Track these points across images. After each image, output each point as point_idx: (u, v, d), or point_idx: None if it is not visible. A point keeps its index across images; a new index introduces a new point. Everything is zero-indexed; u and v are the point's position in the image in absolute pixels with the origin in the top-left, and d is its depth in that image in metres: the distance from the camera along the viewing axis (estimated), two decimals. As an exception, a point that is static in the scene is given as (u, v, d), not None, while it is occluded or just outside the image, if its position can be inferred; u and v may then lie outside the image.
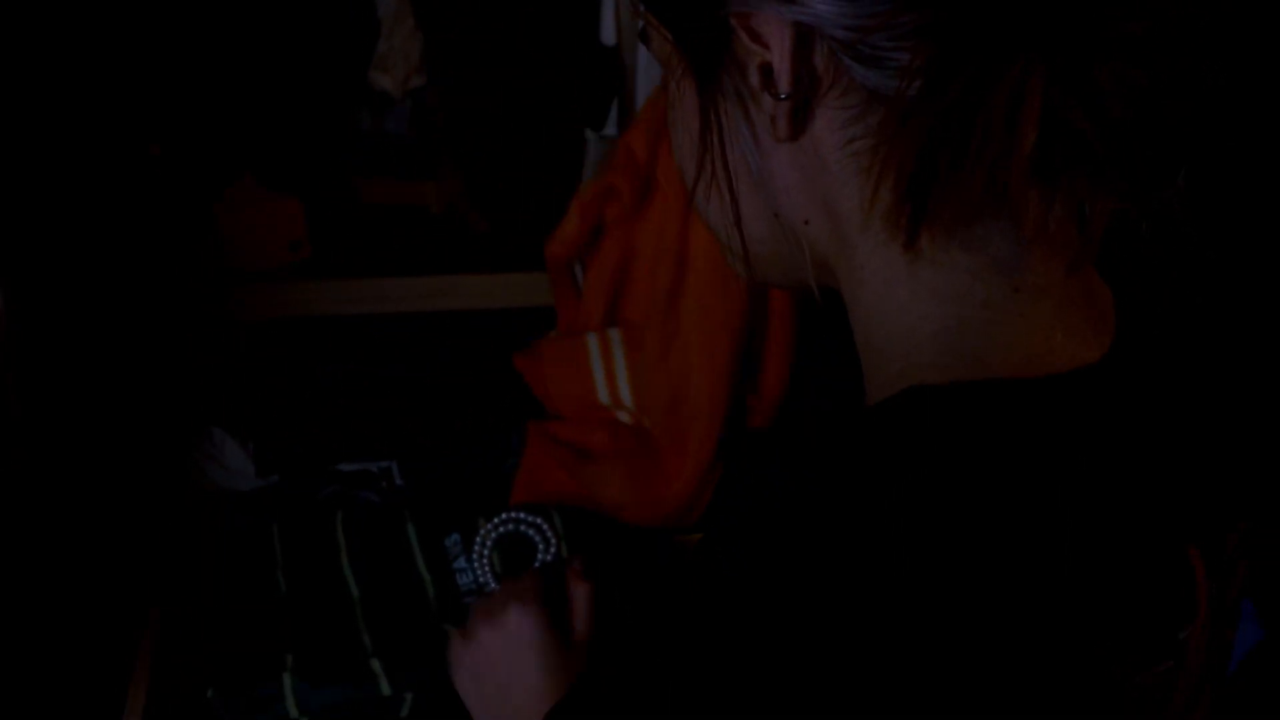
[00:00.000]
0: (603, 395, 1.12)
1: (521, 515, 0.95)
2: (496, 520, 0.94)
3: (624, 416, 1.12)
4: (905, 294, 0.50)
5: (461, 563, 1.05)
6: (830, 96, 0.49)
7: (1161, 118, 0.47)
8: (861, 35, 0.46)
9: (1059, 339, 0.49)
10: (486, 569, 0.95)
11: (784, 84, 0.48)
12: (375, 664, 0.96)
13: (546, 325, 1.28)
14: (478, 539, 0.95)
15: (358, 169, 1.44)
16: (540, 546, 0.95)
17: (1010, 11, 0.44)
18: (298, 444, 1.17)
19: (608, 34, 1.28)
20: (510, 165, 1.35)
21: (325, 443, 1.18)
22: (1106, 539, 0.46)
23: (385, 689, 0.95)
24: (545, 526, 0.95)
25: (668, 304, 1.07)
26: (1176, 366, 0.53)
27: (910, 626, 0.42)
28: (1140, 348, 0.52)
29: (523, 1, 1.27)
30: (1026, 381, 0.48)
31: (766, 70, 0.48)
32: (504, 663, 0.77)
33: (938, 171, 0.46)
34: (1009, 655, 0.43)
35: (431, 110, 1.39)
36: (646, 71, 1.30)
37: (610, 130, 1.31)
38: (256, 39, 1.27)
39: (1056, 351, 0.49)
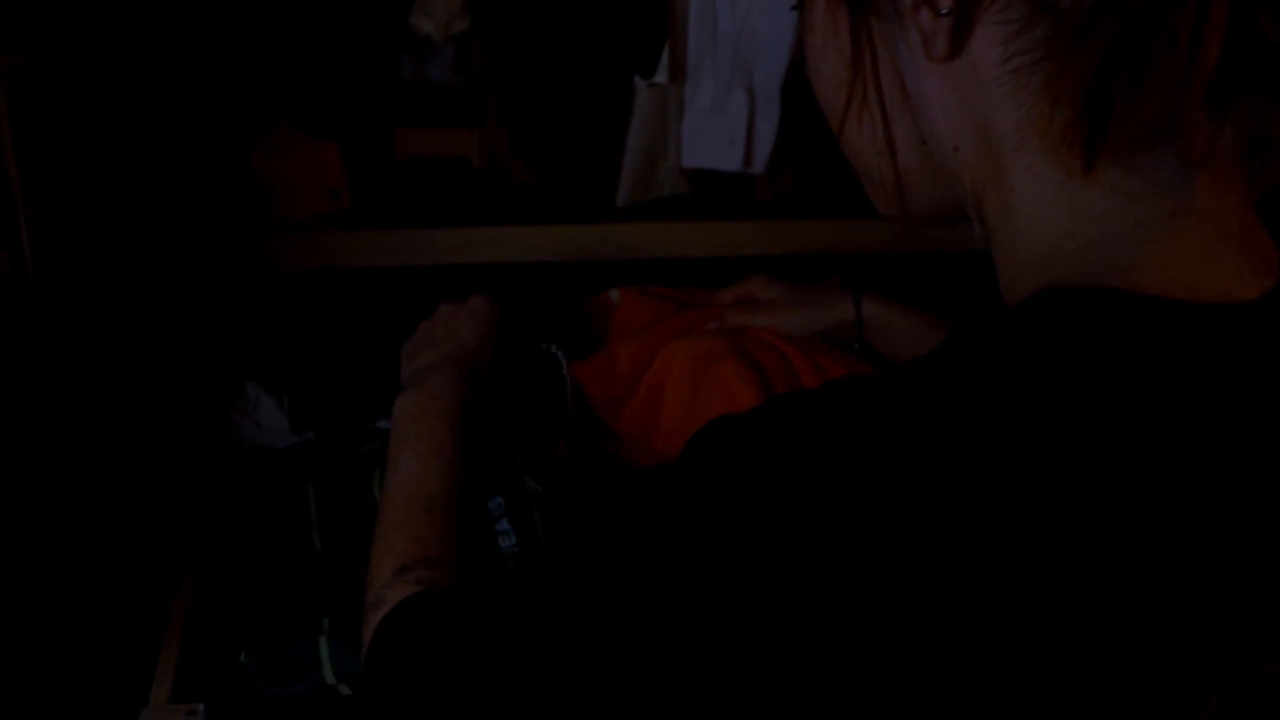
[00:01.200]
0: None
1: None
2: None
3: None
4: (1058, 214, 0.49)
5: (504, 524, 1.01)
6: (992, 11, 0.47)
7: None
8: None
9: (1213, 270, 0.47)
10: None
11: None
12: (414, 630, 0.92)
13: (588, 279, 1.24)
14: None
15: (398, 117, 1.39)
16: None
17: None
18: (334, 400, 1.14)
19: (659, -24, 1.23)
20: (556, 114, 1.30)
21: (363, 398, 1.14)
22: (1227, 487, 0.43)
23: (424, 656, 0.91)
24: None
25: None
26: None
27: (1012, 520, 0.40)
28: None
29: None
30: (1167, 300, 0.46)
31: None
32: (450, 324, 0.99)
33: (1114, 91, 0.44)
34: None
35: (475, 56, 1.34)
36: (698, 17, 1.25)
37: (660, 77, 1.25)
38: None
39: (1208, 282, 0.47)
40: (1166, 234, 0.48)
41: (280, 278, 1.24)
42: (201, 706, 0.86)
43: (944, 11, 0.47)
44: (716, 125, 1.27)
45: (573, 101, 1.28)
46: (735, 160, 1.28)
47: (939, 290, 1.41)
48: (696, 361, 1.01)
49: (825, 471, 0.44)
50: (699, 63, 1.27)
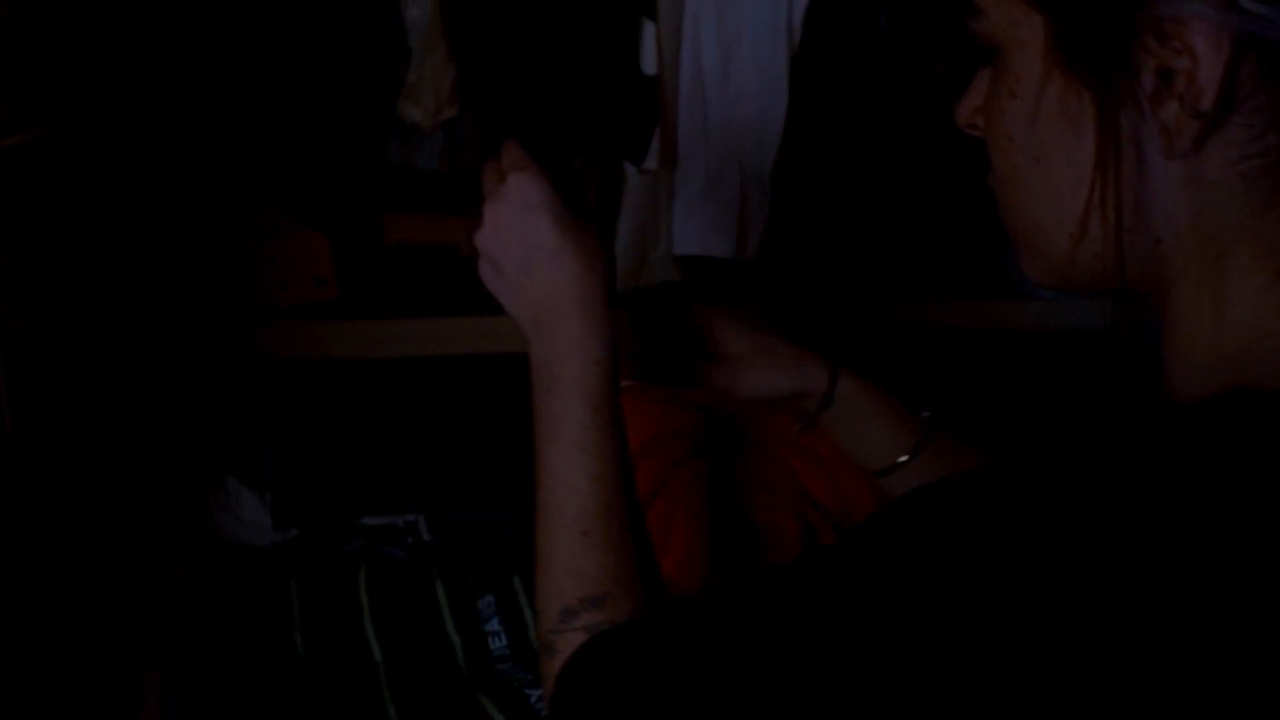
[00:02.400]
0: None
1: None
2: None
3: None
4: (1257, 315, 0.50)
5: (494, 625, 0.98)
6: (1240, 114, 0.48)
7: None
8: None
9: None
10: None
11: (1209, 99, 0.47)
12: (400, 737, 0.89)
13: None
14: None
15: (386, 204, 1.38)
16: None
17: None
18: (318, 495, 1.11)
19: (648, 63, 1.23)
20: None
21: (348, 494, 1.11)
22: None
23: (411, 765, 0.88)
24: None
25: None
26: None
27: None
28: None
29: (560, 30, 1.22)
30: None
31: (1164, 75, 0.48)
32: (515, 234, 0.73)
33: None
34: None
35: (464, 143, 1.33)
36: (689, 103, 1.25)
37: (651, 164, 1.25)
38: (282, 67, 1.21)
39: None
40: None
41: (264, 368, 1.22)
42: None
43: (1200, 112, 0.48)
44: (708, 212, 1.26)
45: (563, 190, 1.27)
46: (728, 247, 1.27)
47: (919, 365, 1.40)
48: (704, 498, 0.98)
49: (1038, 581, 0.44)
50: (689, 149, 1.26)
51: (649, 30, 1.22)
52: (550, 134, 1.24)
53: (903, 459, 0.88)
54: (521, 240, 0.73)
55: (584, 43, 1.21)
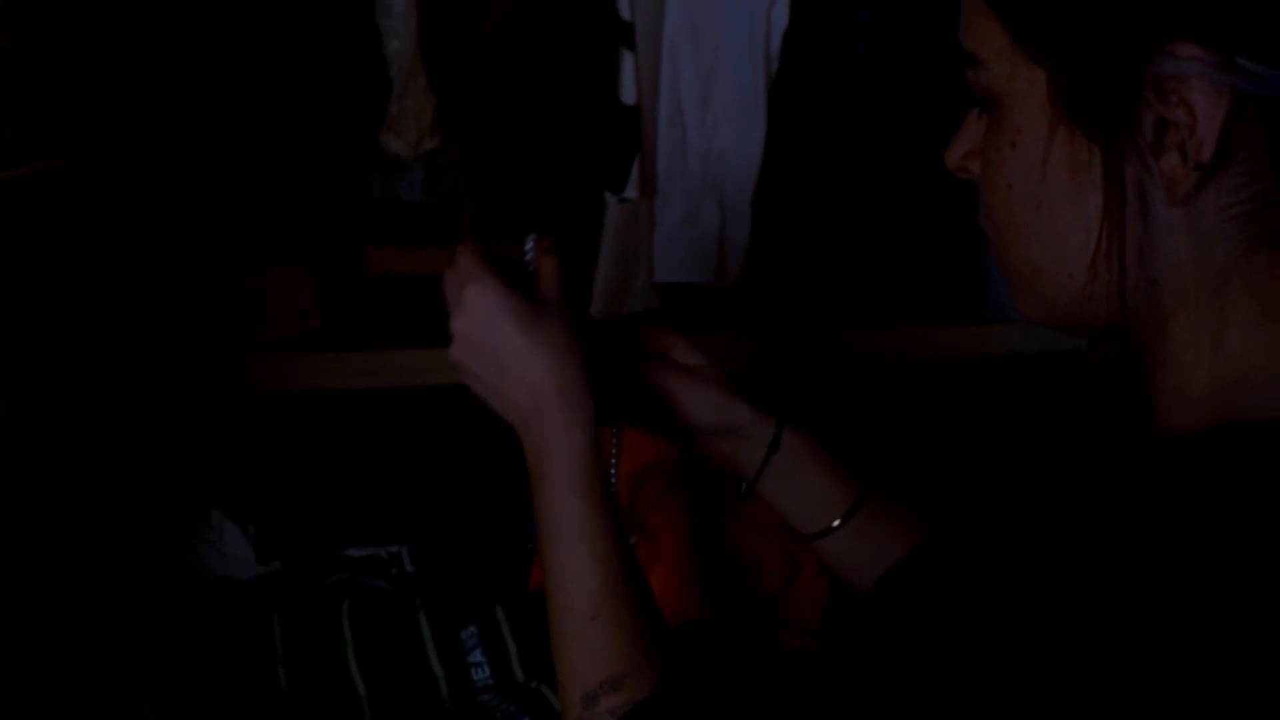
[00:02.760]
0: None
1: None
2: None
3: None
4: (1249, 351, 0.53)
5: (478, 655, 0.97)
6: (1235, 161, 0.50)
7: None
8: None
9: None
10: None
11: (1208, 152, 0.49)
12: (382, 771, 0.88)
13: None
14: None
15: (369, 236, 1.38)
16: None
17: None
18: (302, 528, 1.11)
19: (628, 93, 1.24)
20: (528, 230, 1.30)
21: (331, 526, 1.11)
22: None
23: (393, 798, 0.87)
24: None
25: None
26: None
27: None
28: None
29: (540, 60, 1.23)
30: None
31: (1161, 125, 0.50)
32: (483, 344, 0.74)
33: None
34: None
35: (446, 174, 1.34)
36: (668, 133, 1.25)
37: (631, 193, 1.25)
38: (265, 101, 1.22)
39: None
40: None
41: (247, 400, 1.22)
42: None
43: (1202, 162, 0.50)
44: (688, 239, 1.27)
45: (544, 218, 1.28)
46: (708, 273, 1.28)
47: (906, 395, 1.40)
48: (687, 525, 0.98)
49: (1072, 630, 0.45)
50: (669, 177, 1.27)
51: (628, 60, 1.23)
52: (529, 165, 1.25)
53: (836, 523, 0.87)
54: (490, 348, 0.75)
55: (563, 73, 1.22)
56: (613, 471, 0.90)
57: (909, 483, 1.18)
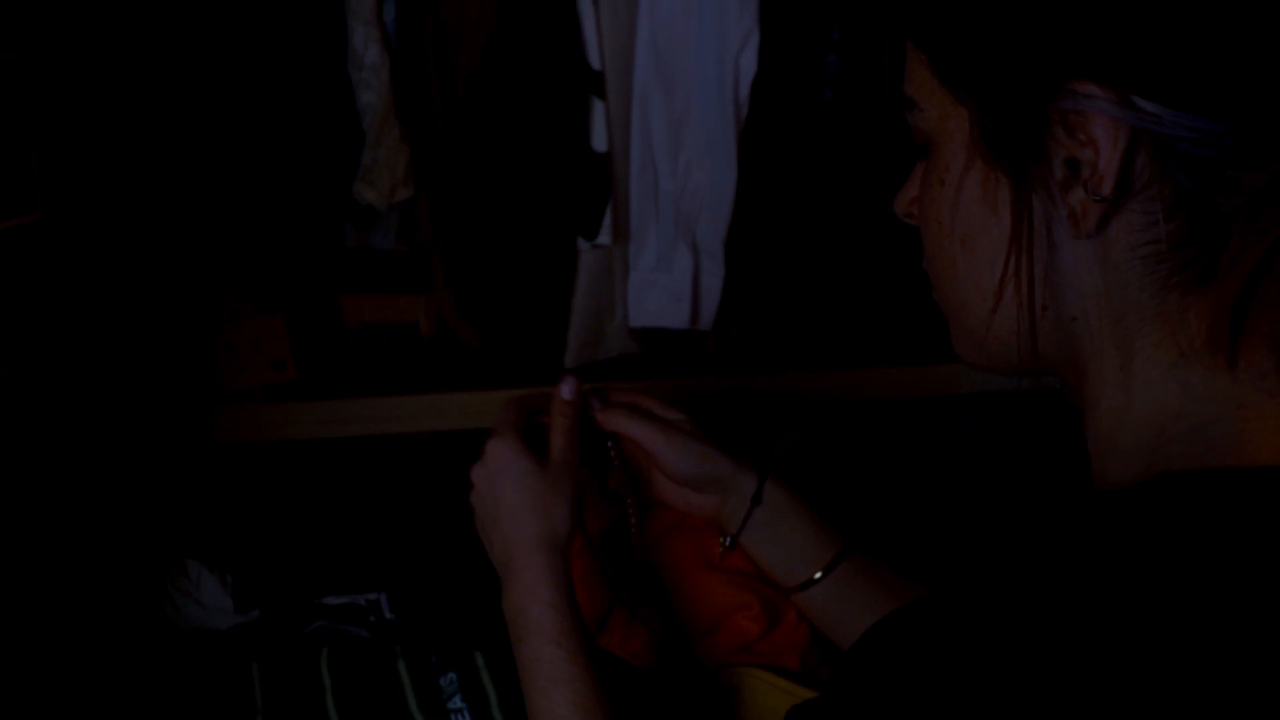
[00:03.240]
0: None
1: None
2: None
3: None
4: (1167, 394, 0.54)
5: (457, 702, 0.97)
6: (1138, 200, 0.51)
7: None
8: (1204, 148, 0.49)
9: None
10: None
11: (1109, 185, 0.51)
12: (364, 820, 0.88)
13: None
14: None
15: (343, 285, 1.39)
16: None
17: None
18: (280, 576, 1.10)
19: (599, 141, 1.25)
20: (502, 278, 1.31)
21: (310, 574, 1.11)
22: None
23: (375, 847, 0.87)
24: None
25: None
26: None
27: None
28: None
29: (512, 110, 1.24)
30: (1275, 470, 0.51)
31: (1072, 164, 0.52)
32: (490, 495, 0.82)
33: (1256, 294, 0.50)
34: None
35: (419, 223, 1.35)
36: (640, 178, 1.27)
37: (603, 239, 1.26)
38: (236, 151, 1.23)
39: None
40: (1261, 412, 0.53)
41: (224, 450, 1.22)
42: None
43: (1101, 197, 0.51)
44: (662, 284, 1.28)
45: (518, 265, 1.29)
46: (682, 318, 1.29)
47: (882, 437, 1.41)
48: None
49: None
50: (642, 222, 1.28)
51: (598, 109, 1.24)
52: (502, 213, 1.26)
53: (818, 575, 0.90)
54: (491, 502, 0.83)
55: (535, 123, 1.24)
56: (635, 533, 0.92)
57: (886, 528, 1.19)
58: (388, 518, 1.21)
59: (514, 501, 0.81)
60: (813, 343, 1.41)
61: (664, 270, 1.28)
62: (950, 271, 0.60)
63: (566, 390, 0.87)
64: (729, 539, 0.93)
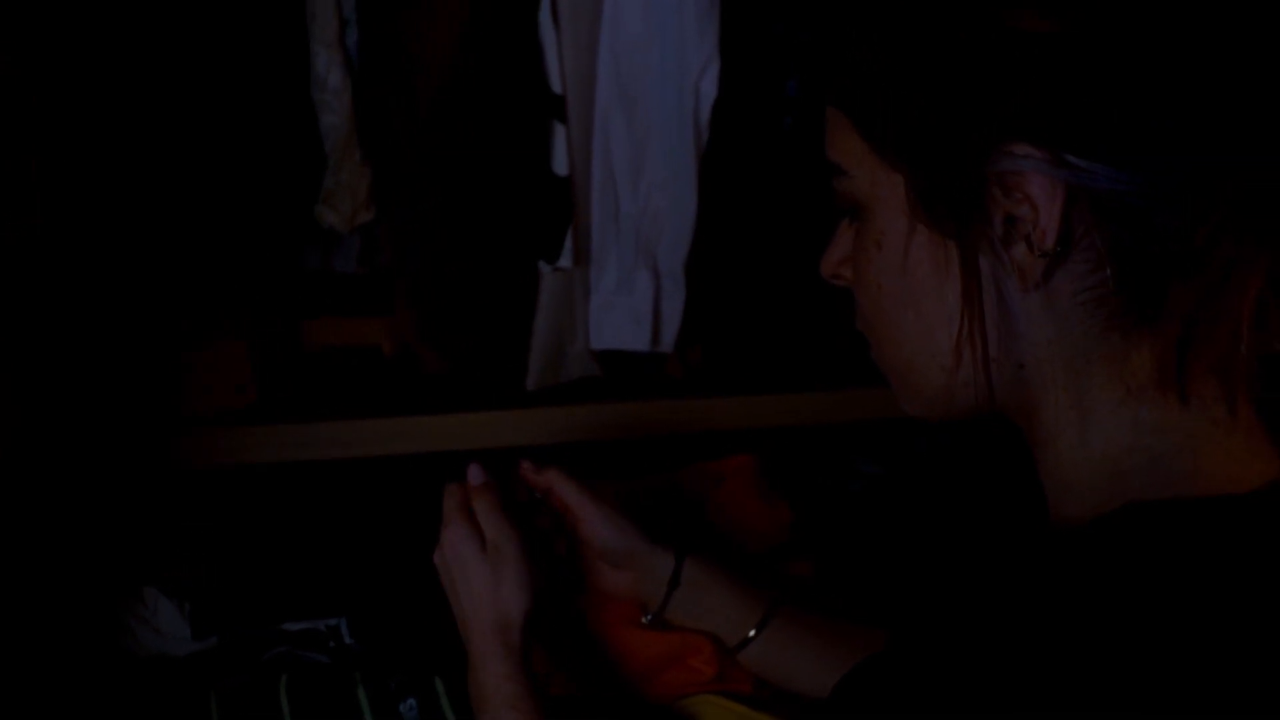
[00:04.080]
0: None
1: None
2: None
3: None
4: (1118, 430, 0.56)
5: (417, 728, 0.97)
6: (1079, 247, 0.53)
7: None
8: (1133, 199, 0.51)
9: (1247, 464, 0.55)
10: None
11: (1051, 240, 0.53)
12: None
13: (501, 467, 1.22)
14: None
15: (305, 309, 1.39)
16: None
17: None
18: (238, 602, 1.10)
19: (560, 165, 1.26)
20: (464, 301, 1.31)
21: (269, 600, 1.10)
22: None
23: None
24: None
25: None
26: None
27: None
28: None
29: (474, 134, 1.24)
30: (1231, 497, 0.54)
31: (1010, 220, 0.54)
32: (449, 582, 0.88)
33: (1197, 333, 0.53)
34: None
35: (381, 246, 1.35)
36: (600, 200, 1.27)
37: (565, 262, 1.27)
38: (195, 173, 1.22)
39: (1246, 475, 0.55)
40: (1211, 441, 0.55)
41: (182, 475, 1.21)
42: None
43: (1045, 252, 0.53)
44: (623, 306, 1.29)
45: (481, 288, 1.29)
46: (643, 340, 1.29)
47: (848, 455, 1.42)
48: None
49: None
50: (603, 245, 1.29)
51: (560, 133, 1.25)
52: (464, 236, 1.26)
53: (751, 633, 0.93)
54: (450, 588, 0.88)
55: (497, 146, 1.24)
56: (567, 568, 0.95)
57: (851, 557, 1.20)
58: (348, 542, 1.20)
59: (466, 590, 0.86)
60: (775, 365, 1.41)
61: (625, 293, 1.28)
62: (894, 333, 0.61)
63: (475, 476, 0.90)
64: (650, 616, 0.95)
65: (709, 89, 1.26)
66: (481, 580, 0.85)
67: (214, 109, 1.21)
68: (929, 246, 0.57)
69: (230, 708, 0.99)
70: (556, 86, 1.23)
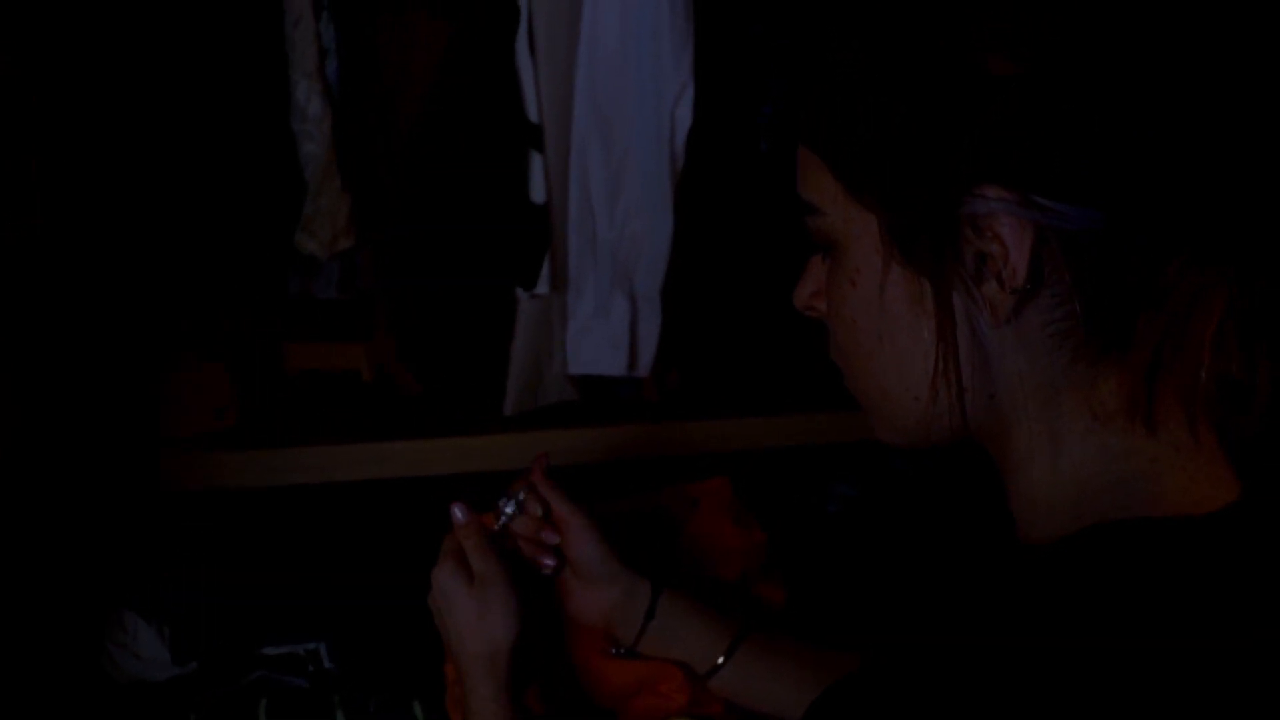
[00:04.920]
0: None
1: None
2: None
3: None
4: (1086, 455, 0.58)
5: (395, 752, 0.98)
6: (1048, 283, 0.55)
7: None
8: (1104, 240, 0.53)
9: (1209, 486, 0.57)
10: None
11: (1021, 277, 0.55)
12: None
13: (482, 492, 1.23)
14: None
15: (285, 333, 1.39)
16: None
17: (1253, 242, 0.53)
18: (218, 627, 1.10)
19: (537, 193, 1.27)
20: (442, 326, 1.32)
21: (248, 624, 1.11)
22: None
23: None
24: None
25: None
26: None
27: None
28: (1260, 491, 0.59)
29: (452, 162, 1.26)
30: (1192, 518, 0.55)
31: (980, 257, 0.55)
32: (440, 618, 0.90)
33: (1162, 362, 0.55)
34: None
35: (361, 272, 1.36)
36: (577, 227, 1.29)
37: (542, 289, 1.28)
38: (177, 201, 1.23)
39: (1209, 496, 0.57)
40: (1174, 465, 0.57)
41: (162, 499, 1.22)
42: None
43: (1016, 288, 0.55)
44: (600, 330, 1.30)
45: (458, 314, 1.30)
46: (620, 364, 1.30)
47: (824, 478, 1.43)
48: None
49: None
50: (580, 270, 1.30)
51: (536, 161, 1.26)
52: (442, 263, 1.27)
53: (720, 660, 0.94)
54: (441, 624, 0.90)
55: (474, 175, 1.25)
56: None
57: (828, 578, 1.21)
58: (327, 566, 1.21)
59: (455, 624, 0.88)
60: (752, 389, 1.43)
61: (601, 317, 1.29)
62: (869, 365, 0.62)
63: (459, 514, 0.92)
64: (621, 649, 0.96)
65: (685, 115, 1.28)
66: (467, 613, 0.88)
67: (195, 139, 1.22)
68: (903, 284, 0.59)
69: (209, 732, 0.99)
70: (534, 116, 1.25)
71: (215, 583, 1.15)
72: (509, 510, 0.95)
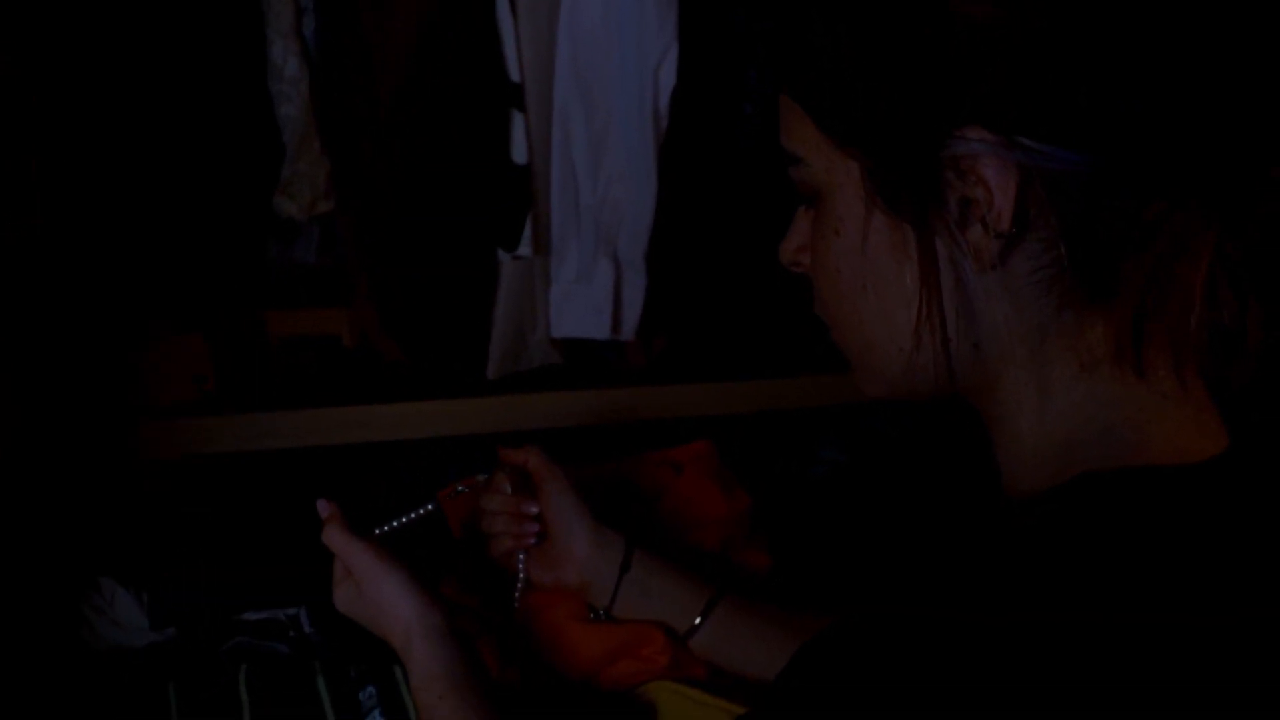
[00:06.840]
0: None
1: None
2: None
3: None
4: (1071, 404, 0.58)
5: (377, 717, 0.97)
6: (1034, 227, 0.54)
7: None
8: (1089, 182, 0.52)
9: (1195, 436, 0.57)
10: None
11: (1006, 221, 0.54)
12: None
13: (464, 456, 1.22)
14: None
15: (265, 299, 1.38)
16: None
17: (1236, 177, 0.52)
18: (197, 593, 1.09)
19: (519, 153, 1.26)
20: (424, 292, 1.31)
21: (228, 590, 1.10)
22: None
23: None
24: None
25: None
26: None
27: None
28: (1248, 442, 0.59)
29: (433, 122, 1.24)
30: (1180, 467, 0.55)
31: (964, 202, 0.54)
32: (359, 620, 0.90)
33: (1149, 310, 0.54)
34: None
35: (341, 236, 1.34)
36: (560, 190, 1.27)
37: (524, 251, 1.27)
38: (152, 164, 1.22)
39: (1195, 446, 0.56)
40: (1161, 413, 0.57)
41: (140, 466, 1.20)
42: None
43: (1001, 233, 0.54)
44: (583, 295, 1.29)
45: (440, 277, 1.29)
46: (603, 328, 1.29)
47: (811, 441, 1.43)
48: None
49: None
50: (562, 234, 1.29)
51: (518, 121, 1.25)
52: (423, 225, 1.26)
53: (698, 620, 0.94)
54: (356, 618, 0.91)
55: (455, 135, 1.24)
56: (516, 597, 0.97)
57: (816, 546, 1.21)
58: (307, 531, 1.20)
59: (377, 630, 0.88)
60: (739, 352, 1.42)
61: (584, 282, 1.28)
62: (853, 317, 0.61)
63: (321, 509, 0.93)
64: (601, 611, 0.95)
65: (668, 77, 1.26)
66: (373, 616, 0.88)
67: (170, 99, 1.21)
68: (886, 231, 0.58)
69: (189, 699, 0.98)
70: (515, 75, 1.23)
71: (194, 548, 1.14)
72: (480, 479, 0.96)
